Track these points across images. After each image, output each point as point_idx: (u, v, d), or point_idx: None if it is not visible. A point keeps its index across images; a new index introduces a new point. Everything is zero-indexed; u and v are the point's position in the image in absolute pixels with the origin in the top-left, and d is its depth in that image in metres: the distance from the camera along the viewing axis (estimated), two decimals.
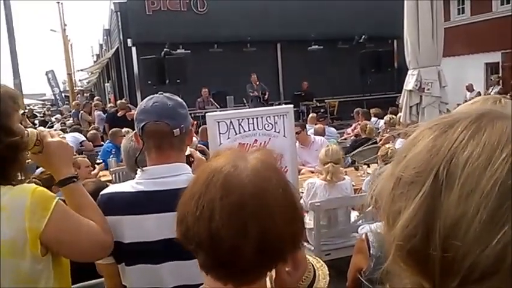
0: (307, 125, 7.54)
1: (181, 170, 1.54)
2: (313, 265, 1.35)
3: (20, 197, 1.22)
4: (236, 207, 0.79)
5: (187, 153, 1.70)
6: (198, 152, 2.05)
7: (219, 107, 12.64)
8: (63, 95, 27.99)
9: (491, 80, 14.54)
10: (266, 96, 13.35)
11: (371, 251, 1.85)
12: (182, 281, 1.44)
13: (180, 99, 1.64)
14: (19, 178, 1.31)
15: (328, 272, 1.35)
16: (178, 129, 1.54)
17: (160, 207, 1.42)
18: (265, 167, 0.84)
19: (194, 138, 6.47)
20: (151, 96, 1.62)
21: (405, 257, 0.47)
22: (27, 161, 1.37)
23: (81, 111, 13.11)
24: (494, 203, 0.42)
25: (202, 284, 0.90)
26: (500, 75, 14.93)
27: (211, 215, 0.79)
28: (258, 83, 13.48)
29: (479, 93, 13.02)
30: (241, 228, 0.78)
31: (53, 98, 28.98)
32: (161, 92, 1.66)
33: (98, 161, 6.50)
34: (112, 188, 1.64)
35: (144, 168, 1.56)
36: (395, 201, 0.49)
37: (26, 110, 15.77)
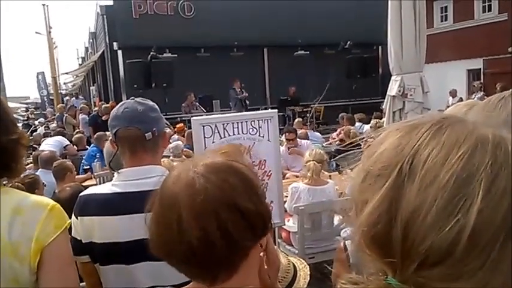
0: None
1: (154, 172, 1.57)
2: (295, 266, 1.39)
3: (39, 207, 1.23)
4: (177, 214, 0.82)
5: None
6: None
7: (205, 111, 12.61)
8: (50, 97, 27.65)
9: (474, 86, 14.77)
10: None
11: (351, 261, 1.84)
12: (157, 281, 1.45)
13: (151, 103, 1.69)
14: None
15: (309, 273, 1.39)
16: (150, 132, 1.59)
17: (133, 208, 1.43)
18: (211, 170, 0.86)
19: (180, 142, 6.45)
20: (123, 102, 1.69)
21: (369, 242, 0.52)
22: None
23: (66, 115, 12.97)
24: (450, 194, 0.47)
25: (177, 284, 0.92)
26: (482, 81, 15.20)
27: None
28: (240, 88, 13.44)
29: (461, 99, 13.23)
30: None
31: (37, 101, 28.58)
32: (132, 97, 1.71)
33: (85, 167, 6.47)
34: (90, 190, 1.67)
35: (119, 171, 1.61)
36: (363, 192, 0.54)
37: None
